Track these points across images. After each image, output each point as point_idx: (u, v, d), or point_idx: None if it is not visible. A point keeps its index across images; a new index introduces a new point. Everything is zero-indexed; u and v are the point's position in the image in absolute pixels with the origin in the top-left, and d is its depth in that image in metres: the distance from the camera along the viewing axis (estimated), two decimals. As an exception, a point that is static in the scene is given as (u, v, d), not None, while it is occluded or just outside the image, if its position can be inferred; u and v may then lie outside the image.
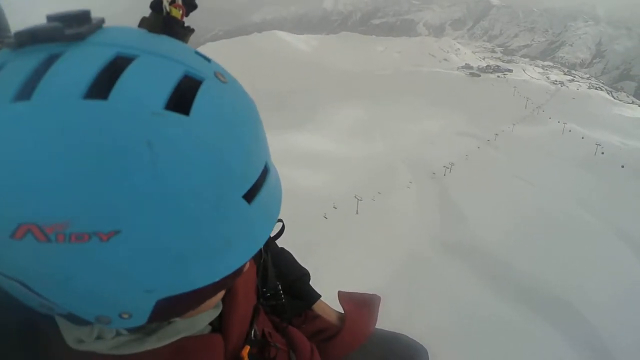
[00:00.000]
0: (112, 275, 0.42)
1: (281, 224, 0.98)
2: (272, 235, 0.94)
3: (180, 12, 0.52)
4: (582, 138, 67.43)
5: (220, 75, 0.49)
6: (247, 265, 0.64)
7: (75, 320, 0.49)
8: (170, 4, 0.57)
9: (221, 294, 0.66)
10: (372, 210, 39.15)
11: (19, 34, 0.41)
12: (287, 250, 1.21)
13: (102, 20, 0.45)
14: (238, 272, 0.57)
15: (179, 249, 0.43)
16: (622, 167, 55.81)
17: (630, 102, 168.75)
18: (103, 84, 0.39)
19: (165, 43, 0.48)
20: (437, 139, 66.79)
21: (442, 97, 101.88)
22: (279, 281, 1.07)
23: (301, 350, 0.92)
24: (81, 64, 0.40)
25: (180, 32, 0.52)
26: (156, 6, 0.51)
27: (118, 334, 0.56)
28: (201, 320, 0.65)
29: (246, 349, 0.73)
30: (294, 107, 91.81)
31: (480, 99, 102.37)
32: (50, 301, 0.44)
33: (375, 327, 1.18)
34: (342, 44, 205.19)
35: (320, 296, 1.18)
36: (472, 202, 41.14)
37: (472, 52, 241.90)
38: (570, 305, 29.28)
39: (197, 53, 0.51)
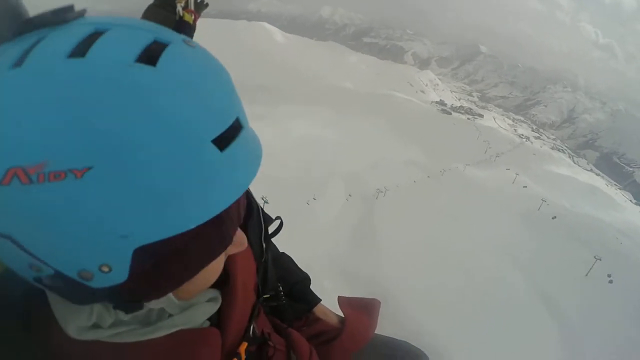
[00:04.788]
0: (88, 215, 0.44)
1: (279, 221, 1.02)
2: (270, 232, 1.00)
3: (192, 17, 0.53)
4: (529, 190, 65.74)
5: (189, 42, 0.53)
6: (245, 244, 0.66)
7: (66, 288, 0.50)
8: (183, 9, 0.61)
9: (214, 274, 0.65)
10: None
11: (18, 26, 0.48)
12: (287, 255, 1.23)
13: (85, 10, 0.52)
14: (224, 240, 0.59)
15: (149, 189, 0.44)
16: (554, 218, 54.03)
17: (589, 169, 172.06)
18: (81, 49, 0.45)
19: (143, 22, 0.53)
20: (383, 162, 63.23)
21: (406, 125, 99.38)
22: (280, 284, 1.09)
23: (300, 352, 0.93)
24: (63, 36, 0.46)
25: (190, 33, 0.56)
26: (168, 6, 0.53)
27: (116, 323, 0.58)
28: (199, 314, 0.66)
29: (243, 346, 0.73)
30: (255, 98, 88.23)
31: (443, 135, 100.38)
32: (37, 257, 0.46)
33: (376, 332, 1.18)
34: (326, 53, 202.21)
35: (320, 300, 1.20)
36: (391, 235, 36.94)
37: (451, 90, 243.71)
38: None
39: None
